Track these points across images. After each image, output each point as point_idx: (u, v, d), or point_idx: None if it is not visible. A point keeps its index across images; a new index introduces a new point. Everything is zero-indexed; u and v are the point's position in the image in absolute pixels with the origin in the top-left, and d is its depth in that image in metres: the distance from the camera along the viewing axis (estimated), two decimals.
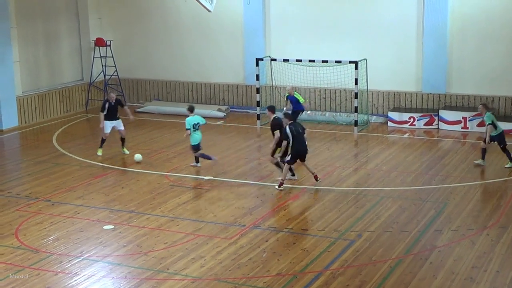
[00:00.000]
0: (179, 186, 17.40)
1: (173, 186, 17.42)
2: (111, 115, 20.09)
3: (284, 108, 22.56)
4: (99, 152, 20.23)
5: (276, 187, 16.87)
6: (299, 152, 16.83)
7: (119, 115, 20.29)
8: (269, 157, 17.87)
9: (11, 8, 24.35)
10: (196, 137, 18.52)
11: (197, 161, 18.91)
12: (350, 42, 24.62)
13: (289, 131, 16.67)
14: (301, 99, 21.80)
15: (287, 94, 22.16)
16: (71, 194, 16.87)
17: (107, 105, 20.01)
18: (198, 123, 18.55)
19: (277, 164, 17.54)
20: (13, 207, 15.90)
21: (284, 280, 11.88)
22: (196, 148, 18.66)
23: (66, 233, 14.22)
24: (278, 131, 17.23)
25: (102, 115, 20.05)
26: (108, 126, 20.11)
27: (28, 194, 16.85)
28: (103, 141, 20.30)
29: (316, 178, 17.17)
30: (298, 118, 21.93)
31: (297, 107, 21.90)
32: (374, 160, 19.62)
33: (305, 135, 17.08)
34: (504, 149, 18.42)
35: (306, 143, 17.07)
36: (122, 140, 20.44)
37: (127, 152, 20.28)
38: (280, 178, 16.94)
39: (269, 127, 18.06)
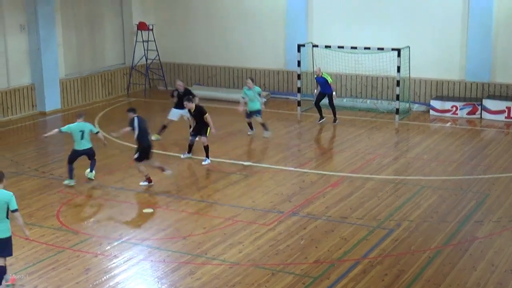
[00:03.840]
0: (218, 171, 17.44)
1: (212, 171, 17.47)
2: (180, 104, 19.75)
3: (315, 91, 22.58)
4: (154, 137, 19.77)
5: (143, 183, 16.32)
6: (145, 150, 16.25)
7: None
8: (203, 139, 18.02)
9: None
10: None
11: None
12: (393, 29, 24.35)
13: (137, 123, 16.15)
14: (329, 79, 21.83)
15: (315, 76, 22.26)
16: (111, 177, 17.03)
17: (175, 94, 20.23)
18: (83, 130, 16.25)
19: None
20: (55, 188, 16.12)
21: (322, 268, 11.86)
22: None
23: (106, 216, 14.37)
24: (207, 115, 17.86)
25: (173, 101, 20.33)
26: (175, 113, 20.21)
27: None
28: (164, 127, 20.37)
29: (163, 169, 16.53)
30: (321, 101, 21.98)
31: (325, 90, 21.94)
32: (415, 149, 19.44)
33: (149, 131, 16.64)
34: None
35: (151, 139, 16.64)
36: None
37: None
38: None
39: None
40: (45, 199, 15.39)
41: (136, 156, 16.23)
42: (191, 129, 18.56)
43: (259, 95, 20.59)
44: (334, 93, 22.09)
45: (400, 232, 13.35)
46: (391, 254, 12.39)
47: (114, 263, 12.17)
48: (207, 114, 17.97)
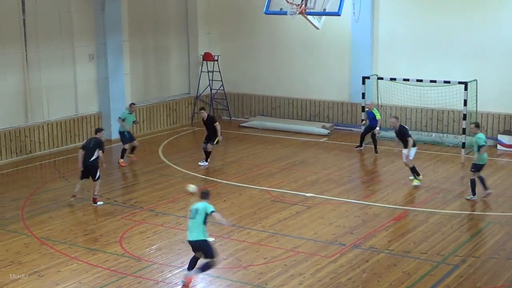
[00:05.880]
0: (280, 201, 17.40)
1: (274, 201, 17.43)
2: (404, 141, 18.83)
3: (363, 122, 22.61)
4: (416, 182, 18.68)
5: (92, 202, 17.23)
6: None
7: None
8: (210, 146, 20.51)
9: (124, 22, 25.13)
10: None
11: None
12: (460, 62, 24.05)
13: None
14: (378, 116, 22.11)
15: (366, 109, 22.64)
16: (174, 205, 17.15)
17: (395, 131, 18.96)
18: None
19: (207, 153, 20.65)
20: (119, 215, 16.31)
21: None
22: None
23: (168, 243, 14.45)
24: (217, 123, 20.44)
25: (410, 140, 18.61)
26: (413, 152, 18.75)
27: (133, 203, 17.25)
28: (413, 169, 18.71)
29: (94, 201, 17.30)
30: (368, 133, 22.39)
31: (372, 123, 22.27)
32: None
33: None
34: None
35: (92, 159, 17.17)
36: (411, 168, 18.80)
37: (416, 183, 18.65)
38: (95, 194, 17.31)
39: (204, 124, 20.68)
40: (109, 225, 15.58)
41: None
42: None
43: (479, 146, 17.11)
44: (378, 128, 22.10)
45: (465, 269, 13.03)
46: None
47: None
48: (217, 123, 20.46)
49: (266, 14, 22.22)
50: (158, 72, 27.35)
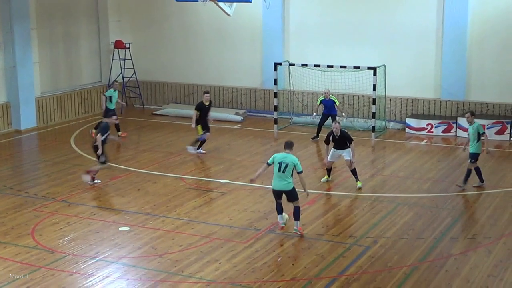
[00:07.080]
0: (195, 189, 17.42)
1: (189, 189, 17.44)
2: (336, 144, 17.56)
3: (314, 113, 22.63)
4: (359, 184, 17.35)
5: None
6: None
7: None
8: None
9: (32, 9, 24.52)
10: None
11: None
12: (369, 48, 24.57)
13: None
14: (337, 102, 22.23)
15: (322, 98, 22.39)
16: (87, 195, 16.94)
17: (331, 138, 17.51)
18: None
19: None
20: (30, 207, 15.99)
21: (299, 285, 11.86)
22: None
23: (82, 234, 14.27)
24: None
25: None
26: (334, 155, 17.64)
27: (45, 195, 16.93)
28: (354, 171, 17.45)
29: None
30: (325, 123, 22.12)
31: (330, 111, 22.16)
32: (391, 167, 19.55)
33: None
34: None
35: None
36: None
37: (359, 185, 17.33)
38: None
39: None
40: (20, 218, 15.25)
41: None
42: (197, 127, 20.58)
43: (479, 134, 16.91)
44: (343, 114, 22.48)
45: (376, 249, 13.39)
46: (367, 271, 12.42)
47: (89, 281, 12.08)
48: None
49: (177, 1, 22.16)
50: (68, 60, 26.82)
